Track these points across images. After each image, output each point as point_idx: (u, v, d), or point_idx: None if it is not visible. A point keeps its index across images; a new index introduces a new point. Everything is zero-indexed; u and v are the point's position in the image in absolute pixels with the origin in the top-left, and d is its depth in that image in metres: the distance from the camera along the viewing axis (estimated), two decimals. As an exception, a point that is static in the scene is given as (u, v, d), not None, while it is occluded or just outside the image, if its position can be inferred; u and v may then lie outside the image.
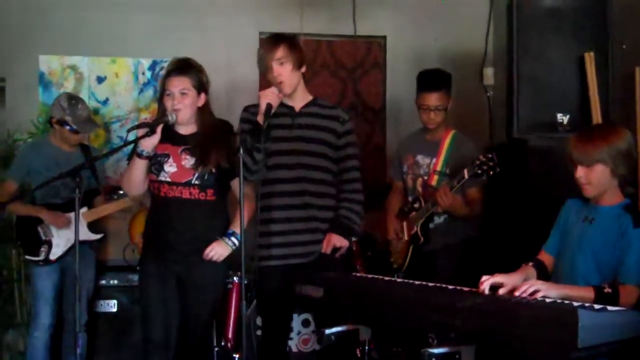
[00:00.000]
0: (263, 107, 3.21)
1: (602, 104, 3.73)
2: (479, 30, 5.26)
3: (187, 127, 3.40)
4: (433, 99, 3.77)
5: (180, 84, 3.32)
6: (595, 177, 2.66)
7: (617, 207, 2.69)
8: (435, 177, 3.80)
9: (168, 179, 3.34)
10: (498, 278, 2.58)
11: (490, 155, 3.34)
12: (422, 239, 3.76)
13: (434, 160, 3.83)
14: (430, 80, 3.82)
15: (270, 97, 3.24)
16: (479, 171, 3.36)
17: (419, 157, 3.90)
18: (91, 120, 4.36)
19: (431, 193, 3.72)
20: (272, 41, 3.42)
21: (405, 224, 3.88)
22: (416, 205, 3.81)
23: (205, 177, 3.35)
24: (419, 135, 3.97)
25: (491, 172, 3.34)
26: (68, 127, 4.17)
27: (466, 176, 3.44)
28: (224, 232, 3.41)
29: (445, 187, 3.56)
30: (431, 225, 3.78)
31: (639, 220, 2.60)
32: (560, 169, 2.91)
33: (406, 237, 3.86)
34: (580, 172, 2.68)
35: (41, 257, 4.13)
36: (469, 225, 3.80)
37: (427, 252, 3.78)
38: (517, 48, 3.86)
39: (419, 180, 3.88)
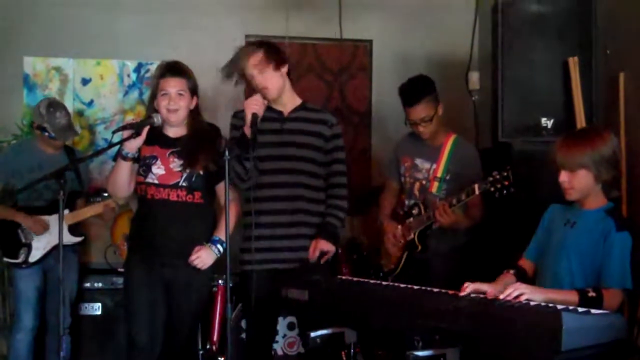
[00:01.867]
0: (249, 118, 3.20)
1: (586, 108, 3.75)
2: (464, 35, 5.27)
3: (176, 130, 3.41)
4: (416, 112, 3.65)
5: (178, 85, 3.34)
6: (579, 182, 2.66)
7: (599, 210, 2.70)
8: (436, 184, 3.69)
9: (156, 181, 3.33)
10: (480, 286, 2.59)
11: (505, 174, 3.16)
12: (419, 247, 3.65)
13: (434, 166, 3.72)
14: (409, 93, 3.69)
15: (255, 106, 3.22)
16: (492, 189, 3.20)
17: (418, 161, 3.79)
18: (71, 127, 4.30)
19: (432, 202, 3.62)
20: (247, 50, 3.41)
21: (400, 228, 3.77)
22: (415, 212, 3.70)
23: (193, 179, 3.35)
24: (419, 137, 3.77)
25: (505, 192, 3.15)
26: (47, 134, 4.15)
27: (477, 192, 3.29)
28: (209, 237, 3.40)
29: (445, 205, 3.43)
30: (428, 232, 3.66)
31: (622, 224, 2.61)
32: (545, 172, 2.92)
33: (401, 242, 3.76)
34: (564, 177, 2.68)
35: (20, 260, 4.11)
36: (463, 230, 3.68)
37: (422, 258, 3.69)
38: (502, 52, 3.87)
39: (417, 185, 3.78)
